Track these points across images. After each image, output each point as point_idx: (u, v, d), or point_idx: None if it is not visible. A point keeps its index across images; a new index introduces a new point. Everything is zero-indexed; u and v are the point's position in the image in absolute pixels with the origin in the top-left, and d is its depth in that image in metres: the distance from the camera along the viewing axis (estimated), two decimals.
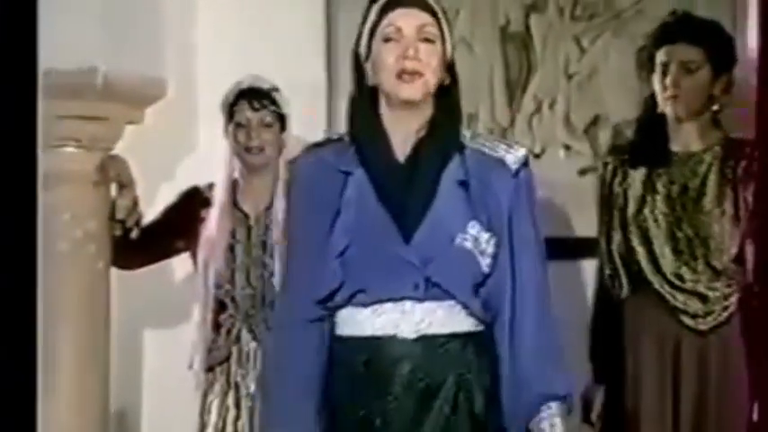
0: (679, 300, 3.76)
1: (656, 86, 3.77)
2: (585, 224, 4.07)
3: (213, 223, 4.00)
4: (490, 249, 2.75)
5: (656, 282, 3.77)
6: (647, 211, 3.80)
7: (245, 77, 4.03)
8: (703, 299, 3.76)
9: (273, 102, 4.00)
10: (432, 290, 2.73)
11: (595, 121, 4.52)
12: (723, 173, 3.79)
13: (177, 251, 4.15)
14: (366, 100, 2.81)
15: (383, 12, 2.74)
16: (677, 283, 3.77)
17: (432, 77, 2.73)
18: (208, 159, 4.20)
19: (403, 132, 2.77)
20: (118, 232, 4.04)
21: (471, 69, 4.48)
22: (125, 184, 4.03)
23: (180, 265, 4.25)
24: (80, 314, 4.06)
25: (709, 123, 3.81)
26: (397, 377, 2.75)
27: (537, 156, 4.48)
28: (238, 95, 4.00)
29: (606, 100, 4.49)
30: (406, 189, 2.78)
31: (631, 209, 3.80)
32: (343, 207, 2.76)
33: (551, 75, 4.57)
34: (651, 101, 3.83)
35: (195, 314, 4.09)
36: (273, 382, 2.88)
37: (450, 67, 2.80)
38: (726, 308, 3.76)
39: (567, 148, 4.50)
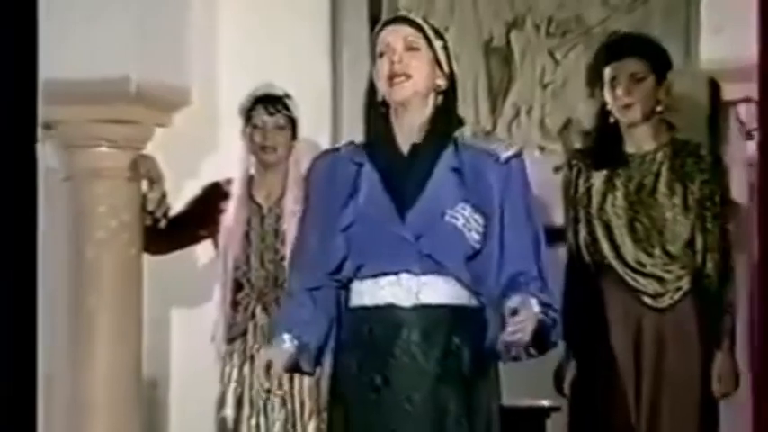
0: (639, 282, 3.80)
1: (608, 98, 3.82)
2: (560, 214, 4.04)
3: (231, 214, 4.06)
4: (479, 228, 2.80)
5: (619, 267, 3.82)
6: (608, 206, 3.84)
7: (260, 85, 4.10)
8: (660, 281, 3.81)
9: (286, 107, 4.06)
10: (426, 263, 2.79)
11: (567, 125, 4.56)
12: (673, 169, 3.83)
13: (200, 238, 4.21)
14: (378, 109, 2.91)
15: (377, 33, 2.90)
16: (637, 267, 3.81)
17: (420, 79, 2.84)
18: (227, 158, 4.25)
19: (407, 130, 2.86)
20: (148, 222, 4.13)
21: (458, 79, 4.47)
22: (155, 180, 4.12)
23: (203, 250, 4.30)
24: (115, 294, 4.12)
25: (658, 126, 3.85)
26: (396, 342, 2.79)
27: (515, 155, 4.44)
28: (255, 101, 4.07)
29: (577, 106, 4.53)
30: (405, 176, 2.85)
31: (595, 205, 3.85)
32: (354, 193, 2.85)
33: (529, 84, 4.63)
34: (603, 111, 3.87)
35: (216, 294, 4.16)
36: (288, 309, 2.96)
37: (448, 72, 2.91)
38: (679, 288, 3.80)
39: (542, 148, 4.56)
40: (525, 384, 3.99)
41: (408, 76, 2.81)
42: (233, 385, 4.08)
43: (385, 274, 2.80)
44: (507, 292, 2.80)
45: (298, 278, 2.96)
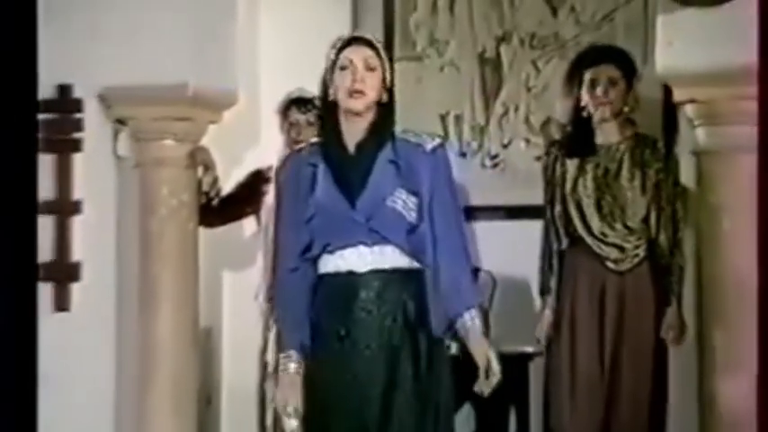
0: (604, 250, 3.92)
1: (586, 97, 3.92)
2: (540, 195, 4.11)
3: (272, 196, 4.12)
4: (414, 207, 2.92)
5: (588, 238, 3.93)
6: (579, 187, 3.95)
7: (294, 90, 4.25)
8: (621, 249, 3.92)
9: (315, 106, 3.97)
10: (375, 237, 2.90)
11: (547, 121, 4.69)
12: (633, 158, 3.93)
13: (246, 215, 4.38)
14: (329, 110, 2.98)
15: (341, 49, 2.95)
16: (602, 238, 3.92)
17: (372, 95, 2.92)
18: (267, 149, 4.43)
19: (353, 132, 2.95)
20: (203, 201, 4.25)
21: (458, 84, 4.71)
22: (208, 167, 4.23)
23: (248, 225, 4.45)
24: (176, 261, 4.20)
25: (623, 122, 3.96)
26: (355, 300, 2.91)
27: (505, 146, 4.67)
28: (290, 102, 4.24)
29: (555, 106, 4.60)
30: (352, 170, 2.94)
31: (568, 186, 3.96)
32: (312, 190, 2.95)
33: (515, 88, 4.76)
34: (578, 108, 3.96)
35: (259, 260, 4.35)
36: (282, 310, 3.07)
37: (388, 87, 2.96)
38: (637, 255, 3.92)
39: (527, 140, 4.69)
40: (512, 334, 4.23)
41: (363, 92, 2.90)
42: (273, 333, 4.14)
43: (344, 247, 2.92)
44: (456, 317, 2.90)
45: (280, 264, 3.06)
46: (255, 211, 4.32)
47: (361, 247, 2.91)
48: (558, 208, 3.97)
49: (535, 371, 4.14)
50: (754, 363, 3.48)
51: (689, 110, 3.83)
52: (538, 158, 4.43)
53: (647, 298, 3.92)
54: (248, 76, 4.62)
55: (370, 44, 2.96)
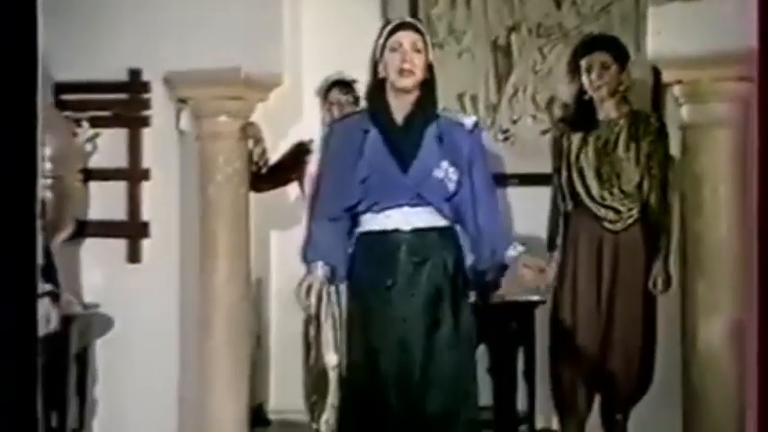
0: (602, 212, 3.94)
1: (585, 81, 3.95)
2: (545, 164, 4.16)
3: (312, 165, 4.10)
4: (454, 177, 2.96)
5: (589, 202, 3.96)
6: (582, 158, 3.98)
7: (334, 73, 4.24)
8: (617, 211, 3.94)
9: (352, 88, 4.17)
10: (419, 200, 2.95)
11: (551, 101, 4.67)
12: (629, 132, 3.95)
13: (290, 181, 4.39)
14: (378, 86, 3.02)
15: (391, 33, 3.00)
16: (601, 201, 3.94)
17: (419, 74, 2.96)
18: (309, 124, 4.42)
19: (400, 107, 3.00)
20: (253, 169, 4.30)
21: (474, 68, 4.69)
22: (258, 140, 4.29)
23: (292, 190, 4.46)
24: (231, 221, 4.23)
25: (620, 101, 3.97)
26: (400, 255, 2.95)
27: (514, 122, 4.64)
28: (331, 84, 4.22)
29: (558, 87, 4.62)
30: (403, 140, 2.97)
31: (573, 157, 3.99)
32: (364, 153, 2.96)
33: (524, 71, 4.74)
34: (580, 91, 4.00)
35: (302, 220, 4.16)
36: (315, 240, 3.02)
37: (430, 68, 3.00)
38: (631, 216, 3.93)
39: (534, 117, 4.66)
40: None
41: (413, 72, 2.95)
42: (315, 285, 3.90)
43: (390, 208, 2.96)
44: (502, 254, 2.96)
45: (320, 212, 3.06)
46: (298, 177, 4.32)
47: (405, 209, 2.94)
48: (564, 175, 3.99)
49: (540, 316, 4.13)
50: (729, 308, 3.69)
51: (675, 90, 3.81)
52: (543, 132, 4.48)
53: (638, 253, 3.94)
54: (292, 61, 4.63)
55: (416, 29, 3.01)
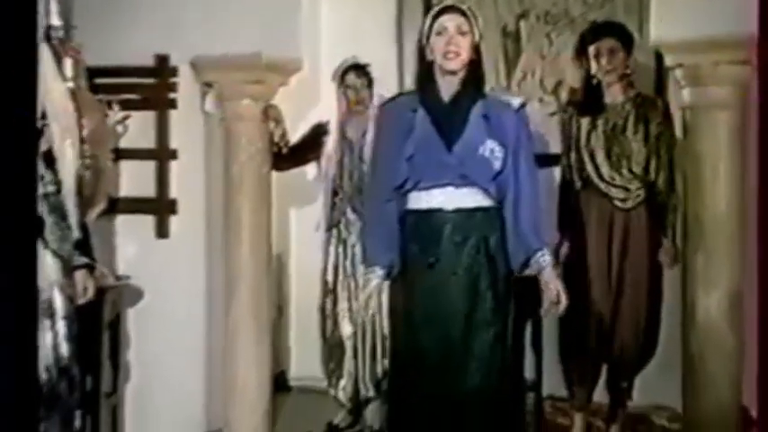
0: (612, 191, 3.91)
1: (594, 66, 3.90)
2: (554, 145, 4.19)
3: (330, 145, 4.26)
4: (500, 157, 2.89)
5: (598, 181, 3.92)
6: (592, 140, 3.94)
7: (349, 57, 4.25)
8: (626, 190, 3.91)
9: (367, 72, 4.22)
10: (464, 180, 2.88)
11: (558, 85, 4.69)
12: (637, 115, 3.91)
13: (309, 161, 4.40)
14: (425, 68, 2.97)
15: (436, 17, 2.96)
16: (610, 181, 3.92)
17: (464, 55, 2.91)
18: (326, 106, 4.39)
19: (447, 87, 2.94)
20: (275, 150, 4.29)
21: (485, 53, 4.26)
22: (279, 121, 4.28)
23: (311, 169, 4.45)
24: (253, 198, 4.21)
25: (627, 85, 3.94)
26: (443, 234, 2.90)
27: (523, 105, 4.50)
28: (347, 68, 4.22)
29: (565, 71, 4.66)
30: (449, 119, 2.91)
31: (583, 139, 3.96)
32: (411, 131, 2.91)
33: (532, 57, 4.77)
34: (587, 75, 3.96)
35: (319, 198, 4.37)
36: (373, 234, 3.03)
37: (477, 48, 2.96)
38: (639, 195, 3.90)
39: (541, 100, 4.68)
40: None
41: (458, 54, 2.90)
42: (332, 258, 4.27)
43: (435, 187, 2.89)
44: (529, 253, 2.85)
45: (374, 195, 3.02)
46: (317, 158, 4.33)
47: (450, 189, 2.88)
48: (573, 156, 3.98)
49: None
50: (727, 281, 3.71)
51: (677, 73, 3.82)
52: (551, 115, 4.47)
53: (645, 230, 3.93)
54: (311, 47, 4.66)
55: (462, 12, 2.94)
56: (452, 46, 2.87)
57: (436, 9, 2.95)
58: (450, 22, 2.91)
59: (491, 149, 2.87)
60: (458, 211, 2.88)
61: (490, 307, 2.87)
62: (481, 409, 2.85)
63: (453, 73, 2.90)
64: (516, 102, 2.97)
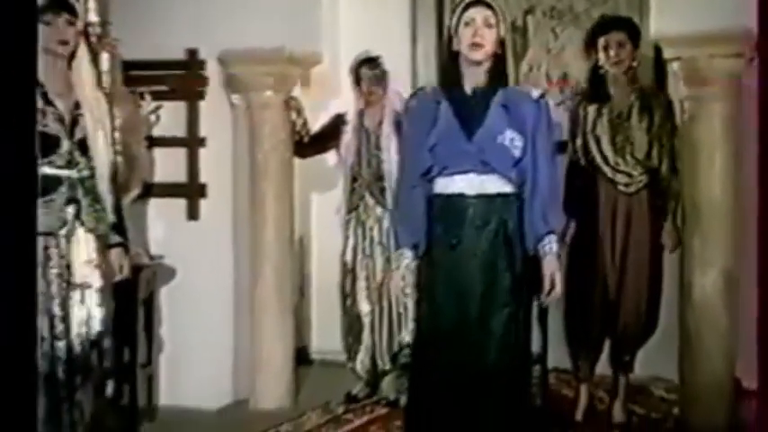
0: (616, 177, 3.90)
1: (602, 57, 3.88)
2: (563, 132, 4.03)
3: (349, 134, 4.29)
4: (519, 145, 2.86)
5: (604, 166, 3.91)
6: (598, 127, 3.92)
7: (362, 52, 4.26)
8: (630, 176, 3.90)
9: (379, 65, 4.22)
10: (485, 167, 2.86)
11: (563, 77, 4.71)
12: (641, 105, 3.90)
13: (329, 149, 4.43)
14: (451, 59, 2.93)
15: (464, 9, 2.91)
16: (615, 167, 3.90)
17: (489, 47, 2.88)
18: (345, 98, 4.43)
19: (472, 78, 2.91)
20: (296, 138, 4.36)
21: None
22: (300, 112, 4.35)
23: (331, 157, 4.49)
24: (277, 183, 4.28)
25: (632, 76, 3.92)
26: (465, 217, 2.88)
27: (542, 95, 4.14)
28: (361, 62, 4.23)
29: (570, 65, 4.68)
30: (470, 109, 2.87)
31: (589, 126, 3.94)
32: (435, 122, 2.89)
33: (538, 51, 4.78)
34: (594, 67, 3.94)
35: (340, 183, 4.40)
36: (402, 218, 3.01)
37: (502, 42, 2.92)
38: (641, 181, 3.89)
39: (546, 92, 4.32)
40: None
41: (483, 45, 2.86)
42: (351, 240, 4.31)
43: (458, 173, 2.89)
44: (539, 239, 2.83)
45: (404, 181, 3.01)
46: (336, 146, 4.35)
47: (472, 175, 2.88)
48: (579, 142, 3.97)
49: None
50: (722, 262, 3.73)
51: (675, 66, 3.81)
52: (557, 105, 4.42)
53: (647, 214, 3.93)
54: (331, 42, 4.69)
55: (488, 6, 2.92)
56: (478, 37, 2.86)
57: (465, 2, 2.92)
58: (477, 14, 2.89)
59: (510, 138, 2.86)
60: (479, 196, 2.88)
61: (507, 287, 2.87)
62: (494, 380, 2.86)
63: (478, 63, 2.89)
64: (536, 92, 2.97)
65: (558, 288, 2.88)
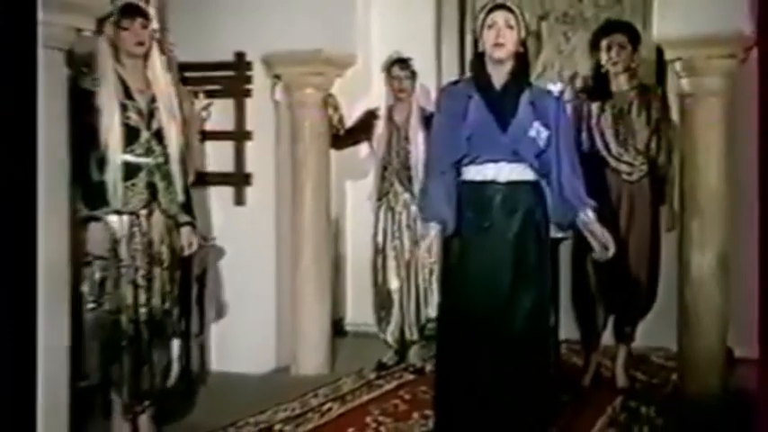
0: (620, 166, 3.94)
1: (604, 57, 3.95)
2: None
3: (380, 128, 4.35)
4: (545, 136, 2.89)
5: (608, 157, 3.94)
6: (602, 122, 3.95)
7: (393, 52, 4.35)
8: (631, 165, 3.94)
9: (409, 65, 4.29)
10: (515, 156, 2.89)
11: (574, 76, 4.75)
12: (640, 101, 3.94)
13: (362, 141, 4.50)
14: (479, 58, 2.96)
15: (488, 13, 2.93)
16: (618, 157, 3.94)
17: (511, 47, 2.89)
18: (377, 95, 4.50)
19: (498, 75, 2.93)
20: (333, 132, 4.43)
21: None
22: (336, 108, 4.41)
23: (363, 148, 4.56)
24: (315, 172, 4.35)
25: (632, 75, 3.98)
26: (495, 202, 2.90)
27: (561, 92, 4.02)
28: (392, 62, 4.32)
29: (580, 64, 4.72)
30: (501, 104, 2.89)
31: (593, 121, 3.97)
32: (468, 114, 2.90)
33: (551, 52, 4.86)
34: (597, 66, 4.00)
35: (372, 172, 4.46)
36: (430, 198, 2.97)
37: (523, 42, 2.93)
38: (642, 170, 3.94)
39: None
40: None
41: (504, 45, 2.88)
42: (381, 223, 4.38)
43: (490, 161, 2.90)
44: (575, 213, 2.86)
45: (434, 166, 2.99)
46: (368, 138, 4.42)
47: (502, 164, 2.90)
48: (583, 134, 3.97)
49: (564, 251, 3.87)
50: (717, 243, 3.75)
51: (676, 66, 3.83)
52: (567, 102, 4.24)
53: (647, 199, 3.97)
54: (364, 45, 4.75)
55: (509, 9, 2.94)
56: (500, 38, 2.87)
57: (489, 6, 2.94)
58: (499, 17, 2.91)
59: (537, 131, 2.89)
60: (508, 183, 2.90)
61: (535, 266, 2.90)
62: (519, 348, 2.89)
63: (501, 62, 2.90)
64: (556, 89, 2.98)
65: (612, 245, 2.88)
